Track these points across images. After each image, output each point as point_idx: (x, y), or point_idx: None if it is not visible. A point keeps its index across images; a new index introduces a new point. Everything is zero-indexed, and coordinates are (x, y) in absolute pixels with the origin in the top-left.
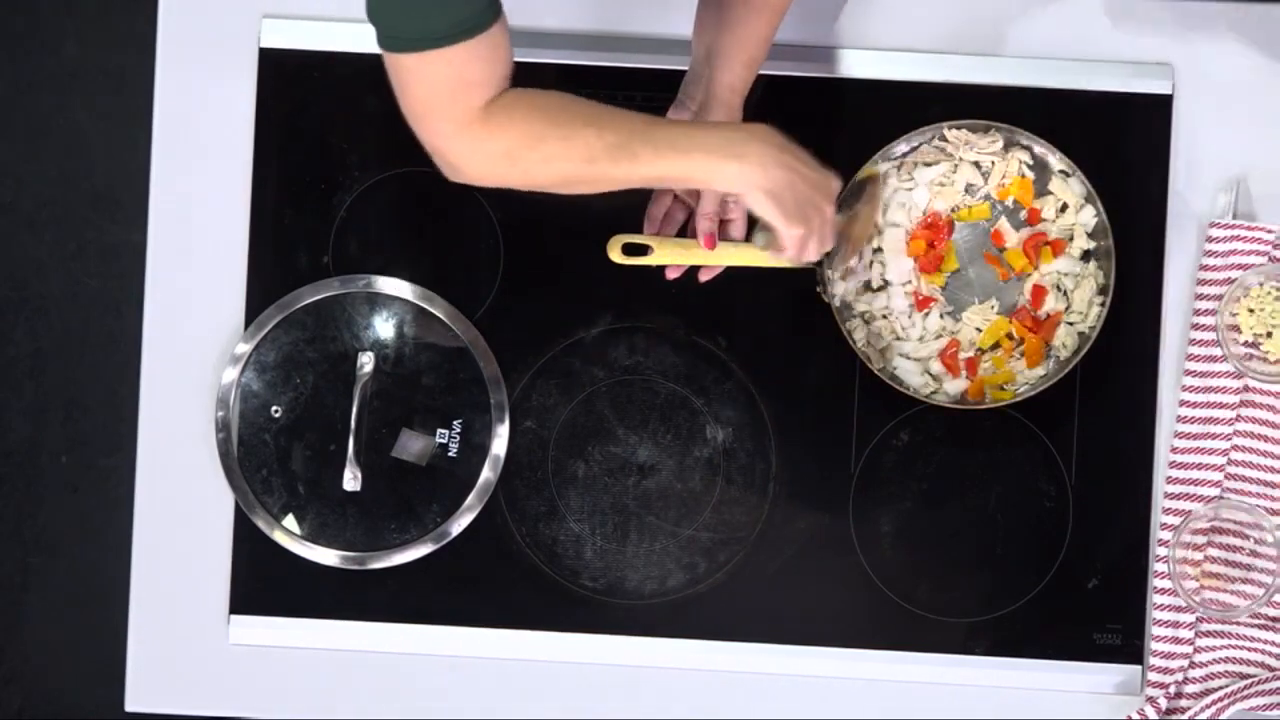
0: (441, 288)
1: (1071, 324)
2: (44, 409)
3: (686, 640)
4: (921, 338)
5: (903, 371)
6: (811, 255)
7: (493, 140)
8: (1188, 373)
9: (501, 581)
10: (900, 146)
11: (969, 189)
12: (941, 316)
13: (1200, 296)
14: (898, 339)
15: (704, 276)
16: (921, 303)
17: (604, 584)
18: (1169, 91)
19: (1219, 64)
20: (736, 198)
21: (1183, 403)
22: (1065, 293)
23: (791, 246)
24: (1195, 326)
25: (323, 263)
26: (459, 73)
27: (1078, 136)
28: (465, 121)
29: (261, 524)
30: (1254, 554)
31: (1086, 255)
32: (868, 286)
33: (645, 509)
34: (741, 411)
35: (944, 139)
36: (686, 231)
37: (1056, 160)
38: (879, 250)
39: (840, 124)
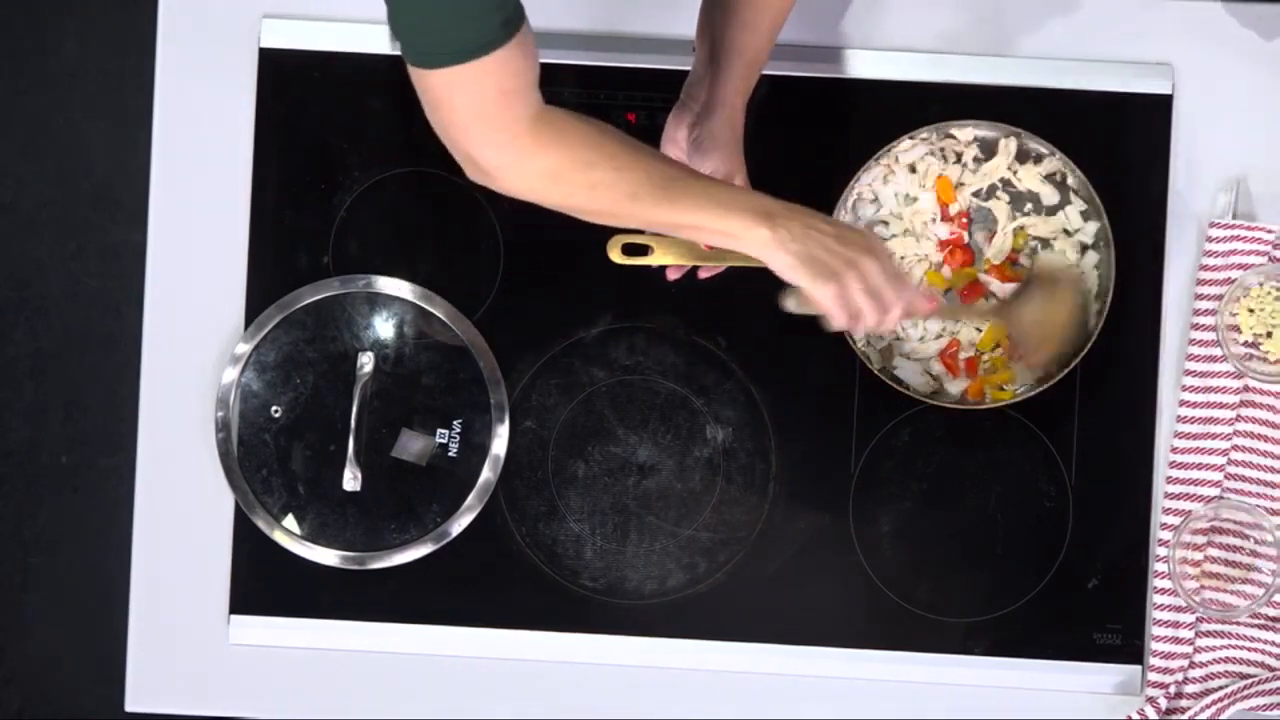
0: (441, 288)
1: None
2: (44, 409)
3: (686, 640)
4: (922, 338)
5: (903, 371)
6: (870, 321)
7: (541, 157)
8: (1188, 373)
9: (501, 581)
10: (901, 145)
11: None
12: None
13: (1200, 296)
14: (898, 339)
15: (704, 274)
16: None
17: (604, 584)
18: (1169, 91)
19: (1219, 64)
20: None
21: (1183, 403)
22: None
23: (828, 305)
24: (1195, 326)
25: (323, 263)
26: (496, 83)
27: (1078, 136)
28: (515, 133)
29: (261, 524)
30: (1254, 554)
31: (1083, 251)
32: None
33: (645, 509)
34: (741, 411)
35: (952, 136)
36: None
37: (1057, 161)
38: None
39: (840, 124)
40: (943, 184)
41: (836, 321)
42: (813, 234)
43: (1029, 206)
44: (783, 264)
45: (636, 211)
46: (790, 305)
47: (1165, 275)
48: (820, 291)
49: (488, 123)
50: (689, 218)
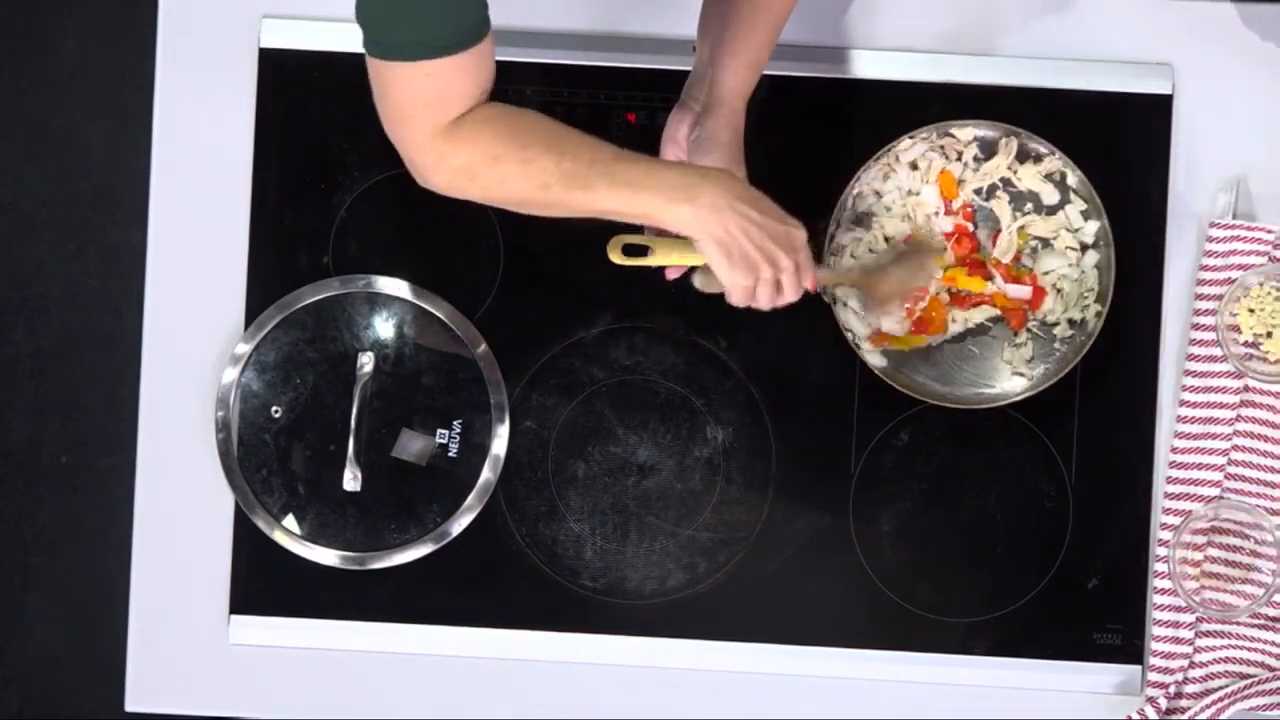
0: (441, 288)
1: (1072, 324)
2: (44, 409)
3: (686, 640)
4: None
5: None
6: (761, 304)
7: (456, 154)
8: (1188, 373)
9: (501, 581)
10: (902, 145)
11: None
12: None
13: (1200, 296)
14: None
15: None
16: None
17: (604, 584)
18: (1169, 91)
19: (1219, 64)
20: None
21: (1183, 403)
22: (1064, 293)
23: (732, 294)
24: (1195, 326)
25: (323, 263)
26: (442, 85)
27: (1078, 136)
28: (434, 133)
29: (261, 524)
30: (1254, 554)
31: (1083, 250)
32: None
33: (645, 509)
34: (741, 411)
35: (952, 136)
36: None
37: (1057, 160)
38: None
39: (840, 124)
40: (945, 179)
41: (735, 303)
42: (738, 218)
43: (1029, 206)
44: (702, 244)
45: (552, 199)
46: (698, 283)
47: (1165, 275)
48: (732, 280)
49: (415, 121)
50: (604, 202)
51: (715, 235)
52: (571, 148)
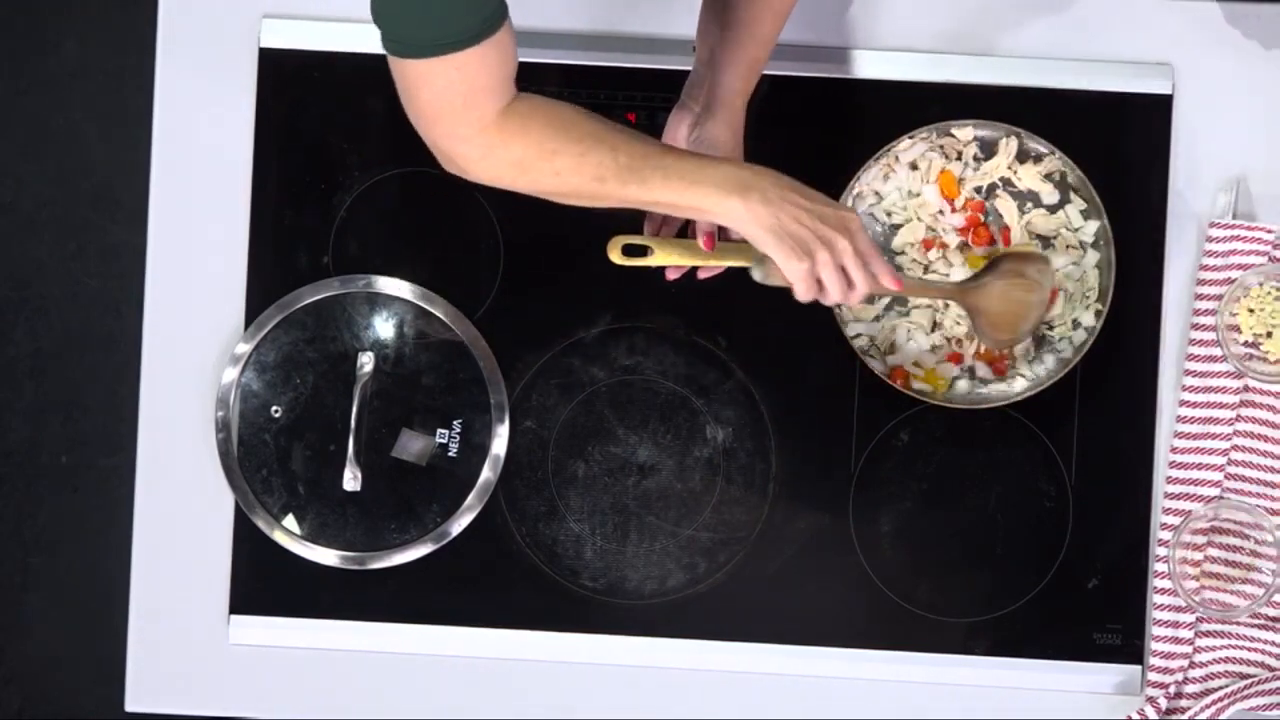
0: (441, 288)
1: (1072, 324)
2: (44, 409)
3: (686, 640)
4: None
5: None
6: (833, 294)
7: (507, 148)
8: (1188, 373)
9: (501, 581)
10: (901, 144)
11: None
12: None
13: (1200, 296)
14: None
15: (703, 274)
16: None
17: (604, 584)
18: (1169, 91)
19: (1219, 64)
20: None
21: (1183, 403)
22: (1065, 292)
23: (796, 281)
24: (1195, 326)
25: (323, 263)
26: (469, 78)
27: (1078, 136)
28: (481, 127)
29: (261, 524)
30: (1254, 554)
31: (1084, 250)
32: (870, 300)
33: (645, 509)
34: (741, 411)
35: (952, 136)
36: (687, 232)
37: (1057, 160)
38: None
39: (840, 124)
40: (946, 178)
41: (802, 296)
42: (788, 206)
43: (1029, 206)
44: (756, 236)
45: (606, 192)
46: (758, 276)
47: (1165, 275)
48: (791, 267)
49: (456, 116)
50: (658, 195)
51: (769, 225)
52: (623, 142)
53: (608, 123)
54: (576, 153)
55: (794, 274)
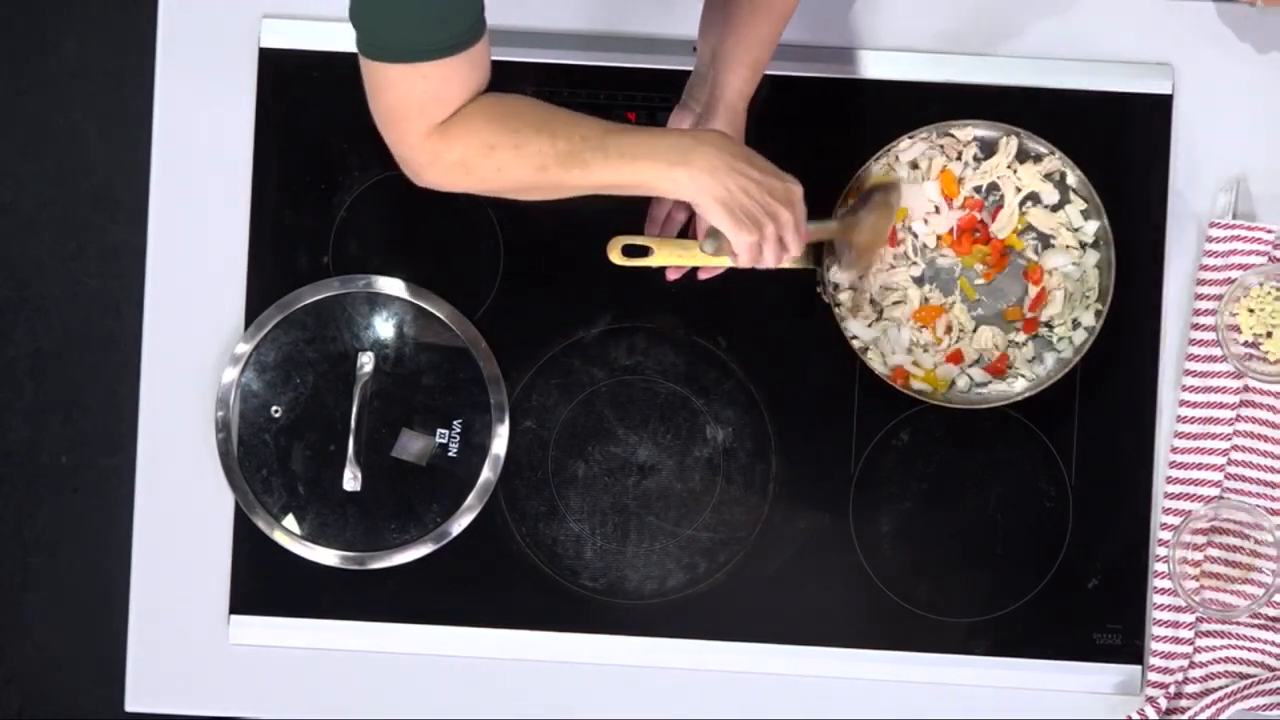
0: (441, 288)
1: (1072, 323)
2: (44, 409)
3: (686, 640)
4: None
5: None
6: (768, 262)
7: (449, 150)
8: (1188, 373)
9: (501, 581)
10: (902, 144)
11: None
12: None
13: (1200, 296)
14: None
15: (703, 275)
16: (926, 315)
17: (604, 584)
18: (1169, 91)
19: (1219, 64)
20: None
21: (1183, 403)
22: (1065, 292)
23: (741, 252)
24: (1195, 326)
25: (323, 263)
26: (434, 88)
27: (1078, 136)
28: (426, 133)
29: (261, 524)
30: (1254, 554)
31: (1083, 250)
32: (871, 303)
33: (645, 509)
34: (741, 411)
35: (952, 136)
36: (687, 232)
37: (1057, 160)
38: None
39: (841, 124)
40: (946, 177)
41: (741, 264)
42: (738, 177)
43: (1029, 205)
44: (706, 206)
45: (551, 180)
46: (709, 249)
47: (1165, 275)
48: (740, 240)
49: (408, 120)
50: (601, 177)
51: (716, 195)
52: (563, 127)
53: (556, 111)
54: (513, 145)
55: (741, 246)
